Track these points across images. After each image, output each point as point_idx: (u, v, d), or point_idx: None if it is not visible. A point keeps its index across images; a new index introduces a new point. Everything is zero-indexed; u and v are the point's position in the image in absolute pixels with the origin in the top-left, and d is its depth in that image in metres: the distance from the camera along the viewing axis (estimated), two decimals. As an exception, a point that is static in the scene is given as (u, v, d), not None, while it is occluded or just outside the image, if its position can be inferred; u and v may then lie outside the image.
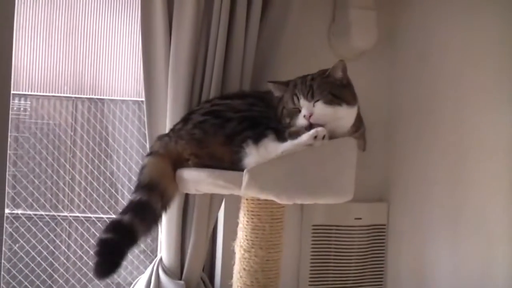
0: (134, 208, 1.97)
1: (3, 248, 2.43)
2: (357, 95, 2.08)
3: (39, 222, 2.81)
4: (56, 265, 2.82)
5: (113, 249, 1.89)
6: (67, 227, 2.85)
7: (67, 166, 2.86)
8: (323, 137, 1.85)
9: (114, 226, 1.93)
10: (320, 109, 1.94)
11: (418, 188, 2.65)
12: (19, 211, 2.80)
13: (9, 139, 2.39)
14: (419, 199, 2.64)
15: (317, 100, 1.94)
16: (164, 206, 2.04)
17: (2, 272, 2.41)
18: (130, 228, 1.92)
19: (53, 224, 2.83)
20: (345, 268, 2.78)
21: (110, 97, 2.90)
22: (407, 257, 2.72)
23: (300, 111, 1.97)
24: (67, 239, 2.85)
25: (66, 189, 2.85)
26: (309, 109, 1.94)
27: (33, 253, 2.78)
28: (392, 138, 2.84)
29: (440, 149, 2.50)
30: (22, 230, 2.79)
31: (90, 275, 2.83)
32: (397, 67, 2.83)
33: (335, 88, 1.97)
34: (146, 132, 2.40)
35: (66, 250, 2.84)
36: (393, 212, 2.83)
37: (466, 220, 2.35)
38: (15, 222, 2.78)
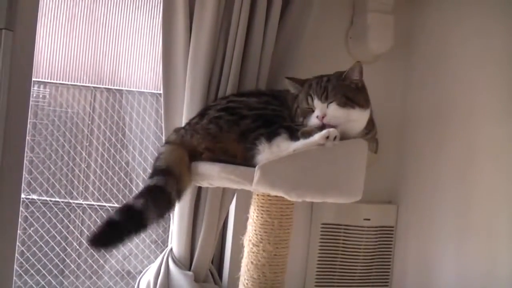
0: (149, 192, 1.95)
1: (18, 231, 2.47)
2: (371, 99, 2.10)
3: (54, 207, 2.85)
4: (69, 250, 2.85)
5: (114, 231, 1.86)
6: (81, 214, 2.89)
7: (83, 154, 2.88)
8: (335, 138, 1.87)
9: (124, 210, 1.91)
10: (333, 111, 1.97)
11: (427, 192, 2.67)
12: (35, 196, 2.83)
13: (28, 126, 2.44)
14: (428, 202, 2.65)
15: (331, 102, 1.97)
16: (179, 193, 2.02)
17: (16, 254, 2.45)
18: (141, 214, 1.88)
19: (67, 210, 2.86)
20: (351, 268, 2.80)
21: (128, 89, 2.92)
22: (414, 259, 2.74)
23: (313, 111, 2.00)
24: (80, 225, 2.89)
25: (82, 177, 2.88)
26: (323, 110, 1.97)
27: (47, 237, 2.82)
28: (404, 141, 2.86)
29: (450, 154, 2.52)
30: (37, 214, 2.81)
31: (102, 261, 2.89)
32: (412, 71, 2.85)
33: (349, 91, 1.99)
34: (163, 125, 2.42)
35: (79, 236, 2.87)
36: (402, 215, 2.85)
37: (474, 226, 2.37)
38: (30, 206, 2.81)
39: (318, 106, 1.98)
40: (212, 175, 2.01)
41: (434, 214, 2.60)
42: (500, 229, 2.23)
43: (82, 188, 2.89)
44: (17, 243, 2.48)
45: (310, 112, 2.00)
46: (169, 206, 2.00)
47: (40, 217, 2.83)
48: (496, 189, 2.27)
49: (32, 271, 2.80)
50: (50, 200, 2.84)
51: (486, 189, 2.32)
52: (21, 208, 2.50)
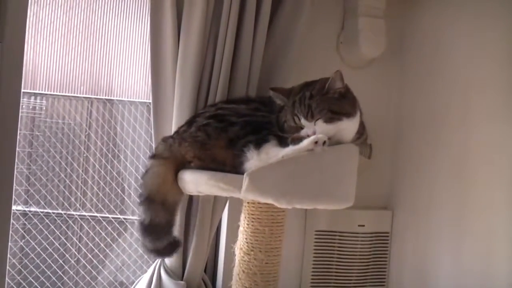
0: (148, 232, 2.13)
1: (9, 243, 2.46)
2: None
3: (45, 219, 2.84)
4: (61, 261, 2.84)
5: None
6: (73, 225, 2.88)
7: (75, 165, 2.88)
8: (324, 143, 1.86)
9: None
10: (322, 127, 1.93)
11: (423, 197, 2.65)
12: (28, 208, 2.83)
13: (18, 137, 2.42)
14: (423, 207, 2.64)
15: (317, 119, 1.94)
16: (171, 212, 2.13)
17: (7, 267, 2.44)
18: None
19: (59, 221, 2.86)
20: (347, 275, 2.78)
21: (119, 98, 2.92)
22: (410, 266, 2.72)
23: (302, 128, 1.97)
24: (72, 236, 2.88)
25: (73, 188, 2.88)
26: (311, 128, 1.94)
27: (38, 249, 2.81)
28: (398, 146, 2.84)
29: (446, 158, 2.51)
30: (29, 226, 2.82)
31: (94, 273, 2.88)
32: (405, 75, 2.84)
33: (333, 104, 1.95)
34: (152, 134, 2.41)
35: (71, 247, 2.87)
36: (397, 220, 2.83)
37: (470, 230, 2.35)
38: (21, 218, 2.81)
39: (306, 125, 1.95)
40: (201, 183, 2.00)
41: (430, 219, 2.59)
42: (496, 233, 2.22)
43: (75, 199, 2.88)
44: (8, 255, 2.46)
45: (298, 129, 1.97)
46: (169, 227, 2.17)
47: (32, 229, 2.82)
48: (492, 193, 2.26)
49: (24, 284, 2.79)
50: (42, 212, 2.84)
51: (482, 194, 2.31)
52: (13, 221, 2.49)
